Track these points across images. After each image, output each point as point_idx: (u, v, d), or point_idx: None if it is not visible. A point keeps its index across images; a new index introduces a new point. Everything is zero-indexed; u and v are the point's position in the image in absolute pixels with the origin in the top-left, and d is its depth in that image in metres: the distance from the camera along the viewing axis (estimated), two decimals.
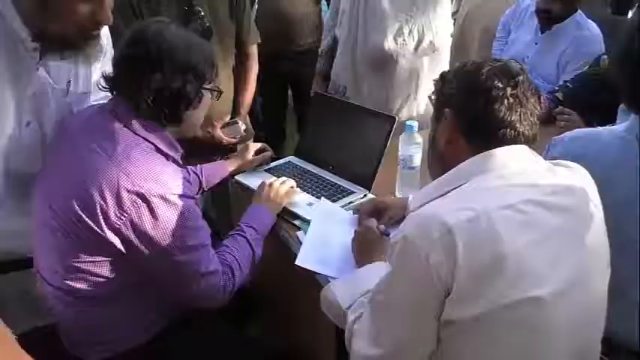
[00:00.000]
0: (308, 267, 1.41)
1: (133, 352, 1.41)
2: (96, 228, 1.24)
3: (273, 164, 1.94)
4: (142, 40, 1.31)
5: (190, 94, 1.34)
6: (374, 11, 2.33)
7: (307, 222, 1.59)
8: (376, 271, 1.26)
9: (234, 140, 2.12)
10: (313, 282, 1.40)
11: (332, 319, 1.27)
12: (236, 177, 1.87)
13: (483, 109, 1.06)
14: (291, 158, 1.97)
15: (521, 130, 1.07)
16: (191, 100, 1.35)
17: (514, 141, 1.07)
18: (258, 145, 1.93)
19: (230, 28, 2.16)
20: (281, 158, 2.00)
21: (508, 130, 1.06)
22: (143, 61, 1.29)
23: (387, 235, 1.42)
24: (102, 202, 1.22)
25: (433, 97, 1.20)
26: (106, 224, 1.23)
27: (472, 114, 1.08)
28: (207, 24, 2.06)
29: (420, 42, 2.37)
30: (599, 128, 1.38)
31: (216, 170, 1.85)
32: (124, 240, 1.26)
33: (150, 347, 1.43)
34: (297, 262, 1.41)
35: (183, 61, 1.31)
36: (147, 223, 1.24)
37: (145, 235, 1.25)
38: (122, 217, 1.23)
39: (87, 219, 1.24)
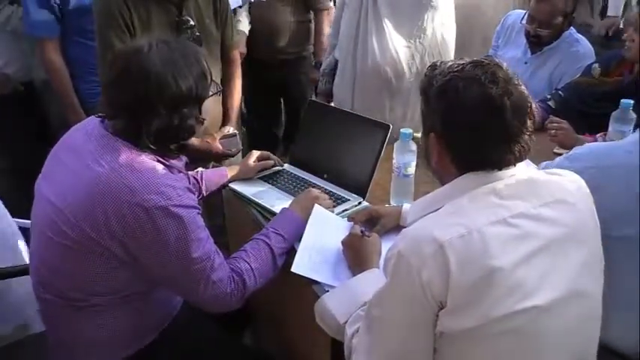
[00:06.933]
0: (304, 274, 1.40)
1: None
2: (99, 240, 1.23)
3: (267, 171, 1.93)
4: (127, 82, 1.25)
5: (192, 124, 1.32)
6: (381, 36, 2.29)
7: None
8: (369, 281, 1.26)
9: (230, 153, 2.12)
10: (309, 290, 1.39)
11: (326, 330, 1.27)
12: (230, 184, 1.86)
13: (472, 146, 1.04)
14: (286, 166, 1.97)
15: (516, 150, 1.04)
16: (194, 127, 1.33)
17: (508, 163, 1.05)
18: (261, 153, 1.92)
19: (216, 36, 2.17)
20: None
21: (503, 156, 1.04)
22: (135, 109, 1.25)
23: (367, 235, 1.43)
24: (105, 215, 1.21)
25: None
26: (109, 236, 1.23)
27: (461, 149, 1.06)
28: (198, 33, 2.06)
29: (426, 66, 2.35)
30: (601, 143, 1.40)
31: (216, 176, 1.84)
32: (128, 252, 1.25)
33: (142, 358, 1.42)
34: (292, 269, 1.40)
35: (175, 96, 1.26)
36: (149, 235, 1.23)
37: (149, 247, 1.24)
38: (125, 230, 1.22)
39: (90, 231, 1.23)
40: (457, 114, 1.04)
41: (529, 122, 1.05)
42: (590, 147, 1.44)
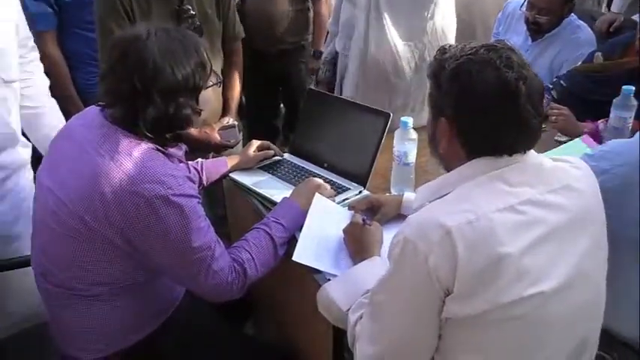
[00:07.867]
0: (305, 262, 1.40)
1: (126, 352, 1.40)
2: (100, 229, 1.23)
3: (267, 161, 1.93)
4: (124, 69, 1.25)
5: (188, 113, 1.31)
6: (380, 32, 2.26)
7: None
8: (371, 269, 1.26)
9: (228, 144, 2.12)
10: (310, 279, 1.39)
11: (329, 319, 1.27)
12: (230, 174, 1.86)
13: (485, 130, 1.03)
14: (286, 155, 1.97)
15: (527, 135, 1.04)
16: (190, 117, 1.32)
17: (519, 149, 1.04)
18: (261, 142, 1.91)
19: (218, 27, 2.16)
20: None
21: (514, 141, 1.03)
22: (131, 97, 1.25)
23: (368, 224, 1.43)
24: (105, 205, 1.21)
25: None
26: (109, 226, 1.23)
27: (473, 134, 1.05)
28: (198, 22, 2.05)
29: (425, 61, 2.31)
30: (623, 140, 1.37)
31: (217, 166, 1.84)
32: (129, 241, 1.25)
33: (144, 347, 1.42)
34: (294, 258, 1.40)
35: (171, 84, 1.26)
36: (150, 224, 1.23)
37: (149, 236, 1.24)
38: (125, 219, 1.22)
39: (91, 221, 1.23)
40: (471, 98, 1.02)
41: (540, 108, 1.04)
42: (618, 144, 1.39)
